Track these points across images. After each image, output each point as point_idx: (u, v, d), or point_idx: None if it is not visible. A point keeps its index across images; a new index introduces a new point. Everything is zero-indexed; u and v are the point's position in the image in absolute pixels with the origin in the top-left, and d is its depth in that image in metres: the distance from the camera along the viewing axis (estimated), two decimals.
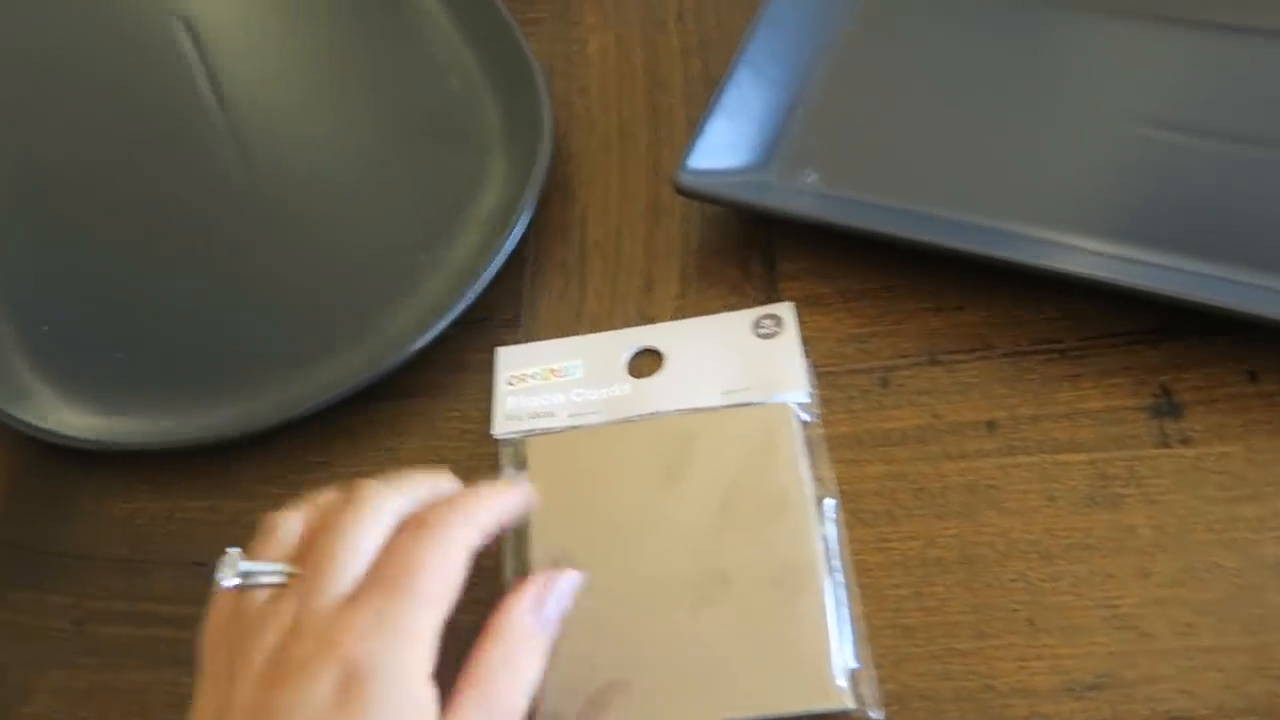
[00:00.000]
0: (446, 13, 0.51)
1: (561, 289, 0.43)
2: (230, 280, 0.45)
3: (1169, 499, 0.34)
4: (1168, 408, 0.35)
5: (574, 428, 0.38)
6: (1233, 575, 0.32)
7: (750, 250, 0.42)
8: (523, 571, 0.35)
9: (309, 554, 0.29)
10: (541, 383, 0.40)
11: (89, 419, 0.41)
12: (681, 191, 0.41)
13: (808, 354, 0.39)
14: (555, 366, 0.40)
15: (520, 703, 0.28)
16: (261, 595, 0.28)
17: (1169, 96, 0.42)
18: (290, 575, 0.28)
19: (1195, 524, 0.33)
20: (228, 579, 0.29)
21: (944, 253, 0.38)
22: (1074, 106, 0.42)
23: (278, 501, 0.31)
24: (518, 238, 0.42)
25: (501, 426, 0.39)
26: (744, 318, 0.40)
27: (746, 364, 0.39)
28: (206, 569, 0.30)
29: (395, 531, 0.29)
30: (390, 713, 0.25)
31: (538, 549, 0.35)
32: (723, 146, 0.42)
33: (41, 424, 0.41)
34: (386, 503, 0.29)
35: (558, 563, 0.34)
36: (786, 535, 0.34)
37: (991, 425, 0.36)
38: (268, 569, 0.29)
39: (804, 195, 0.42)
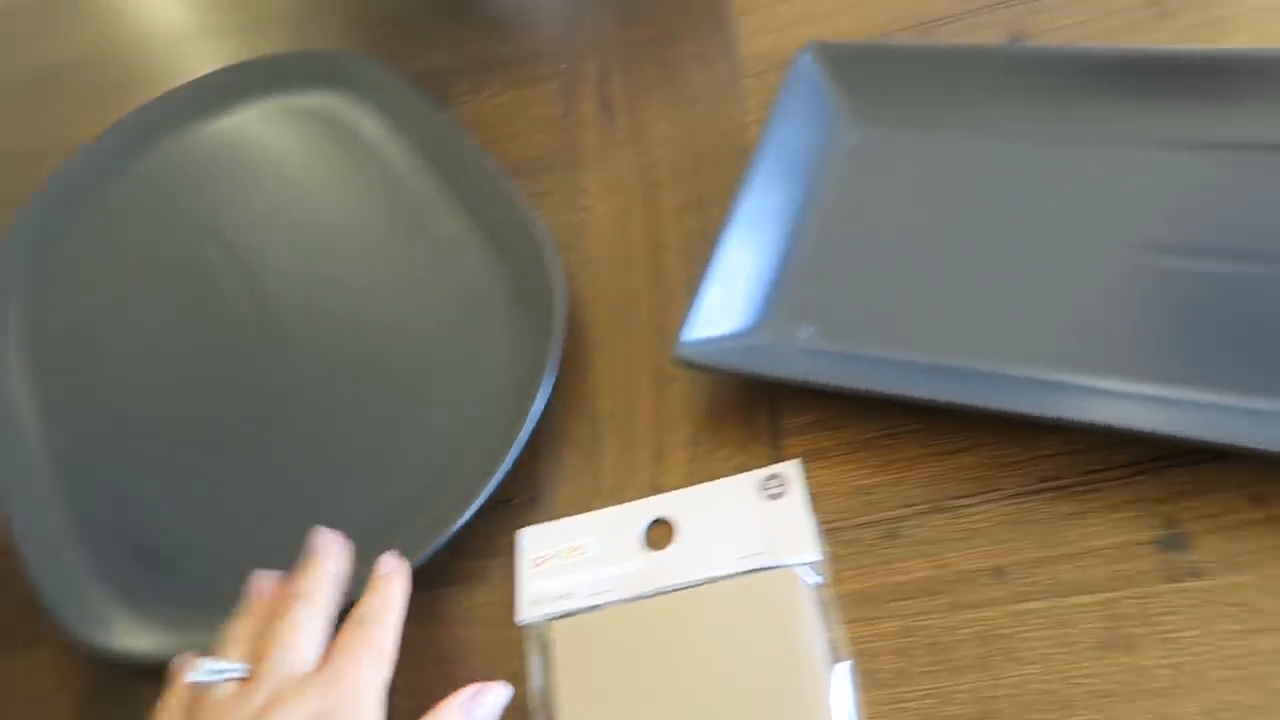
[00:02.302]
0: (455, 195, 0.55)
1: (579, 466, 0.45)
2: (265, 476, 0.48)
3: (1183, 636, 0.33)
4: (1175, 540, 0.35)
5: (595, 607, 0.40)
6: (1253, 713, 0.32)
7: (755, 408, 0.44)
8: None
9: (267, 645, 0.36)
10: (563, 562, 0.41)
11: (159, 638, 0.44)
12: (681, 364, 0.42)
13: (815, 511, 0.39)
14: (574, 545, 0.42)
15: None
16: (227, 688, 0.35)
17: (1164, 220, 0.42)
18: (251, 672, 0.35)
19: (1211, 661, 0.33)
20: (199, 675, 0.35)
21: (939, 406, 0.38)
22: (1068, 239, 0.43)
23: None
24: (534, 421, 0.44)
25: (526, 612, 0.40)
26: (751, 479, 0.41)
27: (757, 527, 0.40)
28: None
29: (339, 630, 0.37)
30: None
31: None
32: (719, 312, 0.44)
33: (112, 647, 0.43)
34: (324, 593, 0.38)
35: None
36: (801, 707, 0.34)
37: (1000, 571, 0.37)
38: (234, 667, 0.35)
39: (802, 353, 0.43)
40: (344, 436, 0.48)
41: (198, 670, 0.36)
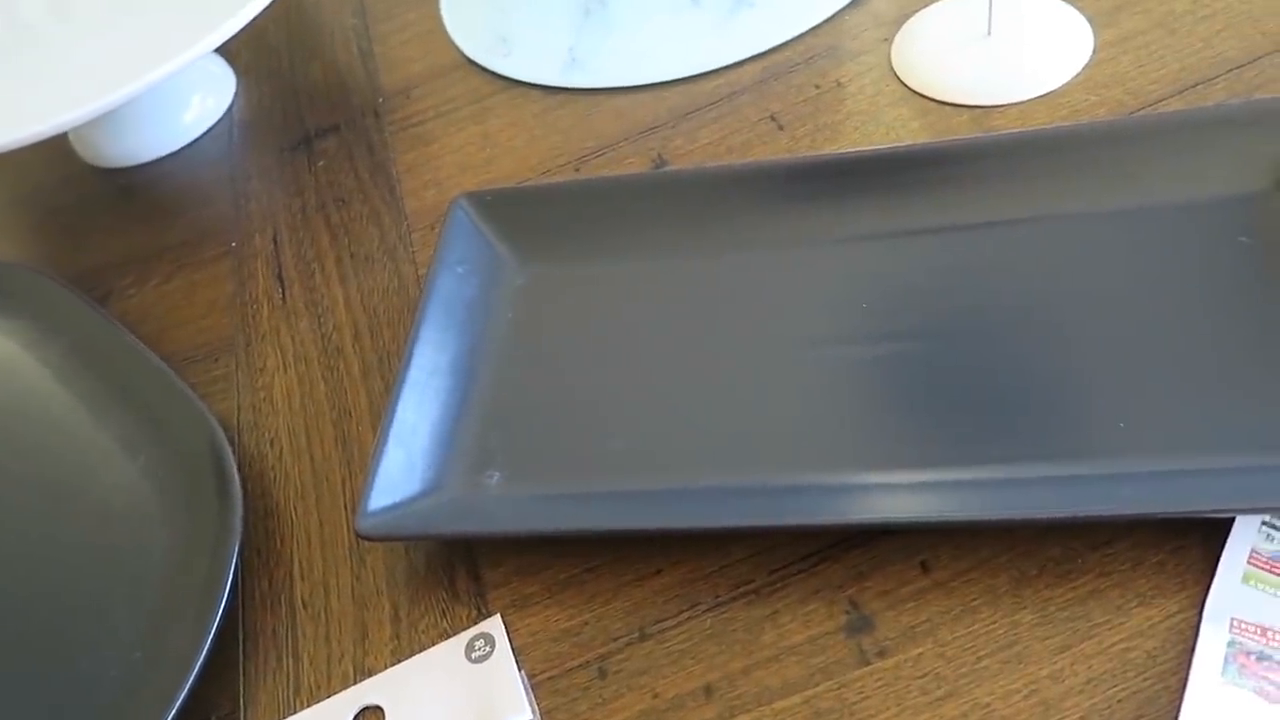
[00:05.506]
0: (115, 397, 0.51)
1: (276, 665, 0.42)
2: None
3: (879, 719, 0.34)
4: (860, 622, 0.36)
5: None
6: None
7: (455, 567, 0.42)
8: None
9: None
10: None
11: None
12: (365, 538, 0.40)
13: (522, 665, 0.38)
14: None
15: None
16: None
17: (819, 314, 0.44)
18: None
19: None
20: None
21: (627, 534, 0.38)
22: (731, 346, 0.44)
23: None
24: (215, 629, 0.41)
25: None
26: (457, 645, 0.39)
27: (466, 696, 0.38)
28: None
29: None
30: None
31: None
32: (402, 474, 0.43)
33: None
34: None
35: None
36: None
37: (709, 690, 0.36)
38: None
39: (491, 502, 0.42)
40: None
41: None
